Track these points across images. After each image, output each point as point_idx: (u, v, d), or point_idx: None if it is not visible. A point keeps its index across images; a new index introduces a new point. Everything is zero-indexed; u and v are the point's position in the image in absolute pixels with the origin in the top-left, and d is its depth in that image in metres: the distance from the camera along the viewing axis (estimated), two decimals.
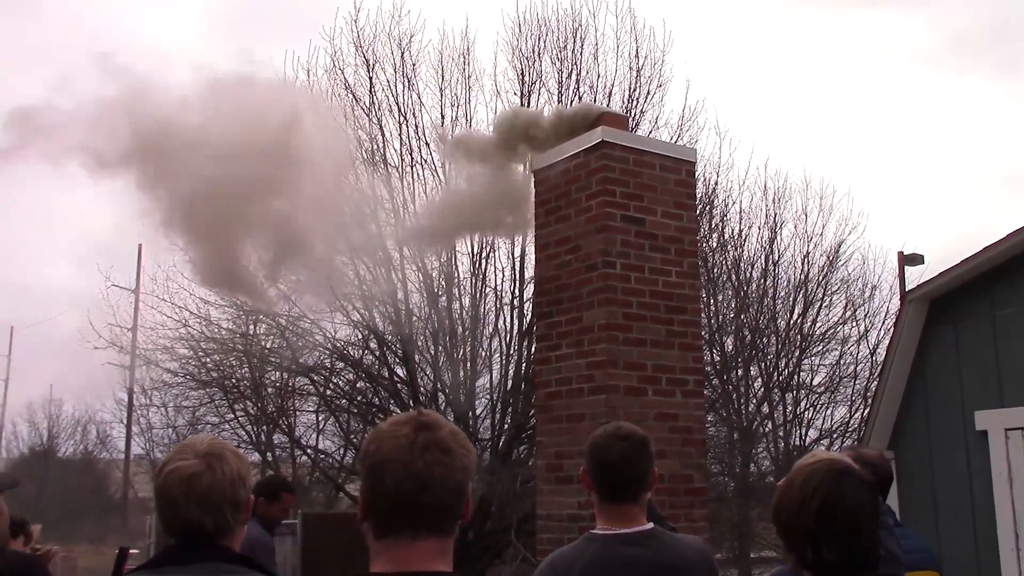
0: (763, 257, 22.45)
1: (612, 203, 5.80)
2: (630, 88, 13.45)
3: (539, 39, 13.62)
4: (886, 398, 7.15)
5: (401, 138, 13.52)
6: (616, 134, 5.91)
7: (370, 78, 13.67)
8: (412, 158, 13.51)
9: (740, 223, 21.60)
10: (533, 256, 6.95)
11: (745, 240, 22.16)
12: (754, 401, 23.37)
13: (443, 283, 13.14)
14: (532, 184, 6.43)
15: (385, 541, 1.60)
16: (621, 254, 5.78)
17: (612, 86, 13.43)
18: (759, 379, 23.53)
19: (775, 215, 22.24)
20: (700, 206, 14.90)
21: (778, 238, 22.44)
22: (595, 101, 13.29)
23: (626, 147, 5.90)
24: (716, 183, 15.44)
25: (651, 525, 2.81)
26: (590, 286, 5.80)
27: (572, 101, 13.10)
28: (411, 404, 13.46)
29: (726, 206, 19.34)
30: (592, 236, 5.82)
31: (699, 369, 6.04)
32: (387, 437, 1.62)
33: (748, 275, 23.01)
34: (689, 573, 2.74)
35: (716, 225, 17.88)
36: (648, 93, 13.51)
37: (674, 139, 13.64)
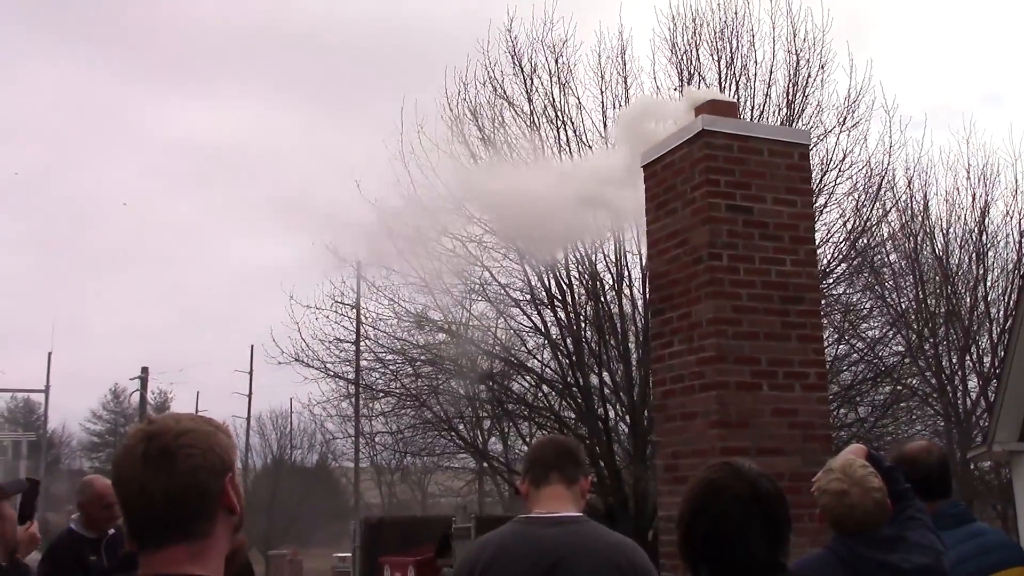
0: (972, 240, 21.02)
1: (716, 193, 5.62)
2: (790, 73, 12.94)
3: (694, 31, 13.36)
4: (1011, 383, 6.52)
5: (560, 143, 13.61)
6: (717, 121, 5.72)
7: (527, 87, 13.84)
8: (573, 162, 13.53)
9: (945, 206, 20.31)
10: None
11: (951, 224, 20.84)
12: (971, 395, 21.87)
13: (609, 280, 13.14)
14: (642, 178, 6.33)
15: (143, 554, 1.62)
16: (728, 245, 5.58)
17: (772, 72, 12.97)
18: (973, 371, 22.01)
19: (985, 194, 20.82)
20: (873, 190, 14.13)
21: (987, 219, 20.97)
22: (755, 89, 12.90)
23: (729, 134, 5.70)
24: (888, 165, 14.59)
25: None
26: (697, 280, 5.64)
27: (732, 91, 12.76)
28: (583, 406, 13.51)
29: (919, 190, 18.26)
30: (697, 228, 5.66)
31: (821, 361, 5.75)
32: (119, 454, 1.66)
33: (959, 260, 21.58)
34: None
35: (904, 209, 16.89)
36: (809, 76, 12.96)
37: (842, 121, 13.06)
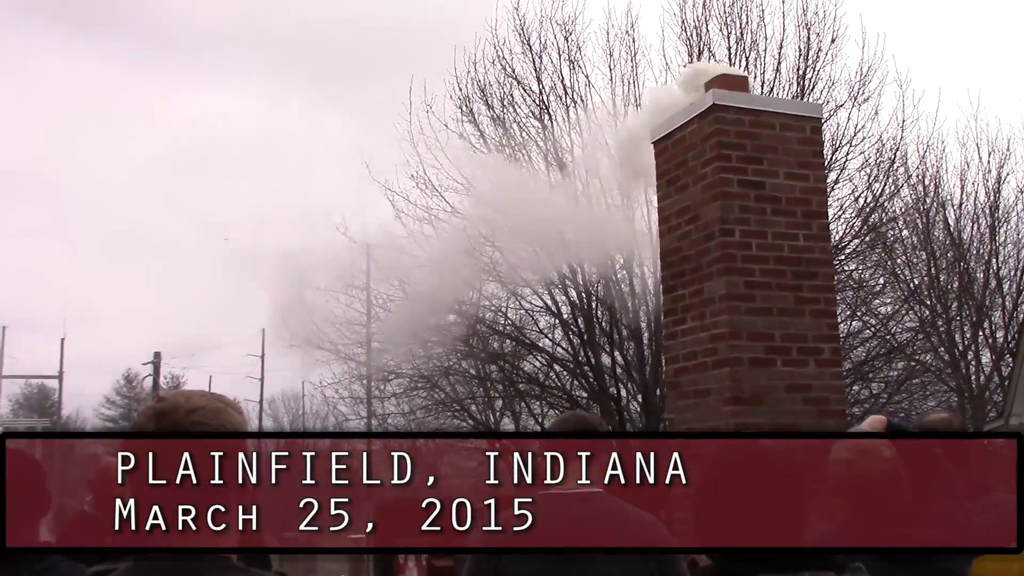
0: (986, 215, 20.87)
1: (728, 168, 5.57)
2: (801, 48, 12.83)
3: (703, 6, 13.24)
4: None
5: (569, 121, 13.54)
6: (728, 96, 5.66)
7: (536, 65, 13.76)
8: (582, 139, 13.48)
9: (960, 180, 20.13)
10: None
11: (963, 199, 20.67)
12: (985, 370, 21.80)
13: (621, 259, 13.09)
14: (653, 155, 6.27)
15: None
16: (740, 220, 5.53)
17: (782, 47, 12.86)
18: (986, 346, 21.92)
19: (997, 168, 20.65)
20: (886, 165, 14.04)
21: (1001, 195, 20.81)
22: (765, 64, 12.81)
23: (741, 108, 5.64)
24: (901, 140, 14.48)
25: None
26: (709, 256, 5.60)
27: (742, 67, 12.66)
28: (595, 385, 13.49)
29: (932, 165, 18.13)
30: (709, 204, 5.61)
31: (835, 336, 5.71)
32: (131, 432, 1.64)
33: (971, 235, 21.45)
34: None
35: (916, 184, 16.76)
36: (820, 50, 12.84)
37: (853, 95, 12.95)
